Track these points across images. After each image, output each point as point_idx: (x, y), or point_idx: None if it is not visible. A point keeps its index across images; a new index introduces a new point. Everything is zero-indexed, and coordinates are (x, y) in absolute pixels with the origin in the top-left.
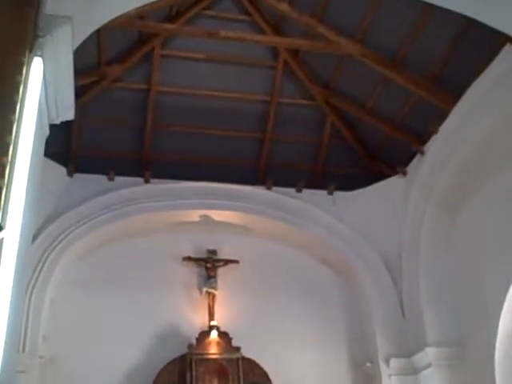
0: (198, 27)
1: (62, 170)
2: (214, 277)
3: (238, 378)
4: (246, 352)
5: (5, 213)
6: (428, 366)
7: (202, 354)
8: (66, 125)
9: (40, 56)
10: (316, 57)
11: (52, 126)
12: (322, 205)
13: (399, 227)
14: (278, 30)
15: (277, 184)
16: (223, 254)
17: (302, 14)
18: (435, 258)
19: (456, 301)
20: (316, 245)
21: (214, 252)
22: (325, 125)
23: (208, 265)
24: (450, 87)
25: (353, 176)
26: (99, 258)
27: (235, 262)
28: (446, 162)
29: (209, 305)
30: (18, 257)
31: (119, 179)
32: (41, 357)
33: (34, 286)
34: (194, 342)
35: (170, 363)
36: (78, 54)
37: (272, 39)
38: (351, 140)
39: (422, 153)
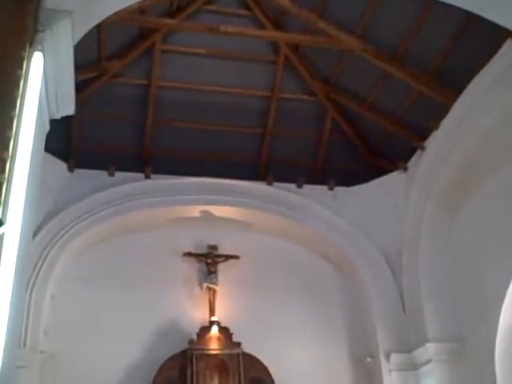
0: (199, 22)
1: (63, 165)
2: (215, 272)
3: (239, 373)
4: (247, 347)
5: (5, 208)
6: (428, 361)
7: (203, 350)
8: (67, 120)
9: (40, 50)
10: (316, 52)
11: (52, 122)
12: (323, 200)
13: (400, 223)
14: (278, 25)
15: (277, 179)
16: (224, 250)
17: (303, 8)
18: (435, 254)
19: (456, 296)
20: (316, 240)
21: (214, 247)
22: (325, 120)
23: (208, 260)
24: (450, 83)
25: (353, 171)
26: (100, 253)
27: (236, 257)
28: (447, 158)
29: (209, 300)
30: (18, 252)
31: (120, 175)
32: (41, 352)
33: (34, 282)
34: (194, 337)
35: (171, 358)
36: (79, 48)
37: (272, 34)
38: (352, 135)
39: (423, 148)
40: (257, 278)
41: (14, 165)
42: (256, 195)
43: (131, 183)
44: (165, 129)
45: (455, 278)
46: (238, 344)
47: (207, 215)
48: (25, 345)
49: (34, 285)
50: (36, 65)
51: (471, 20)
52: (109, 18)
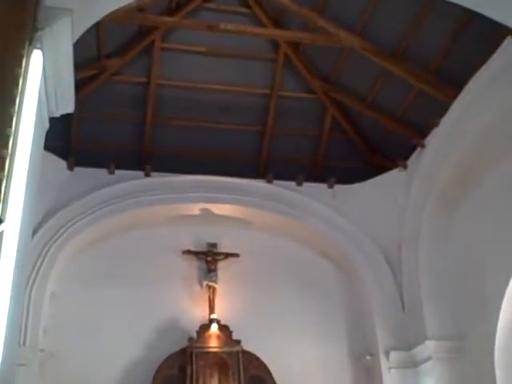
0: (198, 20)
1: (63, 163)
2: (215, 270)
3: (239, 371)
4: (247, 345)
5: (5, 205)
6: (428, 359)
7: (203, 348)
8: (66, 118)
9: (39, 48)
10: (316, 50)
11: (52, 120)
12: (323, 198)
13: (399, 221)
14: (278, 23)
15: (277, 177)
16: (223, 248)
17: (302, 6)
18: (435, 252)
19: (456, 294)
20: (316, 238)
21: (214, 245)
22: (325, 118)
23: (208, 258)
24: (450, 80)
25: (353, 169)
26: (99, 251)
27: (235, 255)
28: (447, 156)
29: (209, 298)
30: (18, 250)
31: (119, 173)
32: (41, 350)
33: (34, 280)
34: (194, 335)
35: (171, 357)
36: (78, 46)
37: (272, 32)
38: (352, 133)
39: (423, 146)
40: (256, 276)
41: (13, 162)
42: (256, 193)
43: (131, 181)
44: (164, 127)
45: (455, 275)
46: (238, 342)
47: (207, 213)
48: (24, 343)
49: (33, 283)
50: (35, 63)
51: (471, 17)
52: (108, 16)
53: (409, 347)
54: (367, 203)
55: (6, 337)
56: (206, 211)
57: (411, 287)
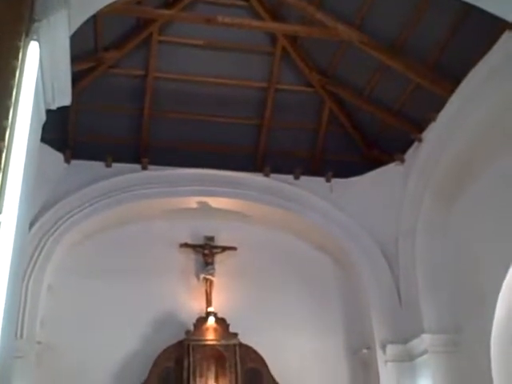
0: (196, 13)
1: (59, 156)
2: (212, 263)
3: (235, 363)
4: (244, 338)
5: (1, 198)
6: (424, 352)
7: (200, 340)
8: (63, 111)
9: (36, 40)
10: (314, 43)
11: (49, 112)
12: (320, 192)
13: (396, 215)
14: (275, 16)
15: (274, 171)
16: (221, 241)
17: None
18: (432, 245)
19: (452, 288)
20: (313, 232)
21: (211, 239)
22: (323, 112)
23: (205, 251)
24: (448, 74)
25: (350, 163)
26: (96, 244)
27: (233, 248)
28: (444, 150)
29: (206, 291)
30: (14, 242)
31: (116, 166)
32: (38, 343)
33: (31, 272)
34: (191, 328)
35: (168, 349)
36: (75, 39)
37: (270, 25)
38: (349, 127)
39: (420, 140)
40: (254, 269)
41: (10, 155)
42: (253, 186)
43: (128, 174)
44: (162, 120)
45: (451, 269)
46: (235, 335)
47: (204, 206)
48: (21, 336)
49: (30, 275)
50: (32, 54)
51: (469, 11)
52: (105, 8)
53: (405, 341)
54: (364, 197)
55: (2, 329)
56: (203, 204)
57: (408, 281)
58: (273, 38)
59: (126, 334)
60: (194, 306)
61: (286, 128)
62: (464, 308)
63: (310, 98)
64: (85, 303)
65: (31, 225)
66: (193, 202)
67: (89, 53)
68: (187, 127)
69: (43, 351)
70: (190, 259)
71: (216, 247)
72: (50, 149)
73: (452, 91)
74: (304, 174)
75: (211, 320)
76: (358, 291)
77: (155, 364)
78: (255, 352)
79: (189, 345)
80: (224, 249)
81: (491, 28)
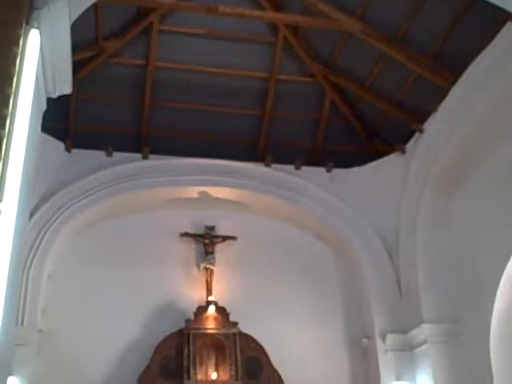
0: (197, 2)
1: (60, 145)
2: (212, 253)
3: (235, 352)
4: (243, 327)
5: (2, 186)
6: (424, 342)
7: (200, 329)
8: (64, 100)
9: (37, 28)
10: (315, 33)
11: (49, 101)
12: (321, 182)
13: (397, 205)
14: (277, 6)
15: (275, 161)
16: (221, 231)
17: None
18: (432, 236)
19: (452, 278)
20: (314, 222)
21: (212, 228)
22: (324, 102)
23: (206, 241)
24: (450, 65)
25: (351, 153)
26: (97, 233)
27: (233, 238)
28: (445, 141)
29: (206, 280)
30: (15, 230)
31: (117, 155)
32: (39, 330)
33: (32, 261)
34: (191, 316)
35: (168, 338)
36: (76, 27)
37: (271, 15)
38: (350, 117)
39: (421, 131)
40: (254, 259)
41: (10, 143)
42: (254, 176)
43: (129, 163)
44: (162, 109)
45: (451, 259)
46: (235, 324)
47: (205, 196)
48: (22, 323)
49: (31, 264)
50: (32, 42)
51: (471, 2)
52: None
53: (405, 330)
54: (365, 187)
55: (3, 317)
56: (204, 194)
57: (408, 271)
58: (274, 28)
59: (126, 323)
60: (195, 294)
61: (288, 118)
62: (464, 298)
63: (311, 89)
64: (86, 292)
65: (32, 214)
66: (194, 191)
67: (89, 42)
68: (188, 117)
69: (44, 339)
70: (190, 248)
71: (216, 237)
72: (51, 138)
73: (453, 82)
74: (305, 164)
75: (211, 309)
76: (358, 281)
77: (156, 352)
78: (255, 341)
79: (189, 333)
80: (224, 238)
81: (493, 19)
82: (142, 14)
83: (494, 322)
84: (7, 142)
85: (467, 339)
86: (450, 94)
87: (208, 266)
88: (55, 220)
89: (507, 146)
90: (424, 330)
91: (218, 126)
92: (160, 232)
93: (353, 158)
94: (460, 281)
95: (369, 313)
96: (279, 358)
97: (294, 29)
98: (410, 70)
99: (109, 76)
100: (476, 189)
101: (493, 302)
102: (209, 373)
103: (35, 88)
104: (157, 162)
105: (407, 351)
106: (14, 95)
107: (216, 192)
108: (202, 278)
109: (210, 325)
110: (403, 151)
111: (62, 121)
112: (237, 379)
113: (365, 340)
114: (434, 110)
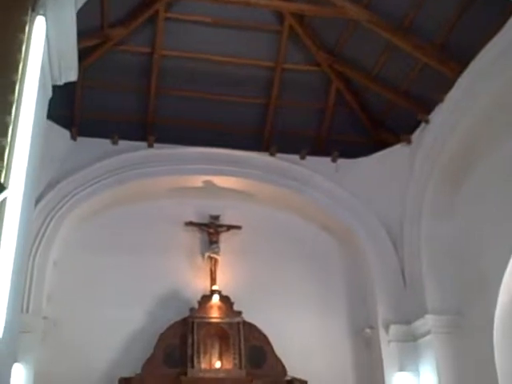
0: None
1: (66, 133)
2: (217, 242)
3: (239, 341)
4: (247, 316)
5: (8, 172)
6: (427, 333)
7: (204, 318)
8: (70, 88)
9: (43, 15)
10: (321, 22)
11: (55, 89)
12: (326, 172)
13: (402, 196)
14: None
15: (280, 150)
16: (226, 220)
17: None
18: (437, 227)
19: (457, 269)
20: (318, 212)
21: (216, 217)
22: (329, 91)
23: (210, 230)
24: (456, 55)
25: (357, 143)
26: (102, 221)
27: (238, 227)
28: (451, 132)
29: (211, 269)
30: (21, 216)
31: (123, 143)
32: (44, 318)
33: (37, 248)
34: (195, 305)
35: (172, 326)
36: (82, 15)
37: (277, 3)
38: (356, 107)
39: (427, 121)
40: (258, 248)
41: (16, 129)
42: (259, 166)
43: (134, 152)
44: (168, 98)
45: (456, 250)
46: (239, 313)
47: (210, 185)
48: (28, 310)
49: (37, 251)
50: (38, 29)
51: None
52: None
53: (409, 321)
54: (370, 177)
55: (9, 304)
56: (208, 183)
57: (412, 262)
58: (280, 17)
59: (131, 311)
60: (199, 283)
61: (293, 107)
62: (468, 289)
63: (316, 78)
64: (91, 279)
65: (37, 201)
66: (198, 180)
67: (95, 30)
68: (193, 105)
69: (49, 326)
70: (195, 237)
71: (221, 226)
72: (57, 126)
73: (460, 72)
74: (310, 153)
75: (215, 298)
76: (362, 271)
77: (160, 340)
78: (259, 330)
79: (193, 322)
80: (229, 228)
81: (500, 9)
82: (147, 1)
83: (498, 313)
84: (13, 129)
85: (471, 330)
86: (456, 84)
87: (212, 255)
88: (60, 208)
89: None
90: (428, 321)
91: (224, 115)
92: (165, 221)
93: (358, 147)
94: (464, 272)
95: (373, 303)
96: (283, 347)
97: (300, 17)
98: (417, 59)
99: (115, 64)
100: (481, 181)
101: (497, 293)
102: (212, 361)
103: (41, 75)
104: (162, 150)
105: (411, 342)
106: (20, 82)
107: (221, 181)
108: (206, 267)
109: (214, 314)
110: (409, 141)
111: (67, 108)
112: (240, 368)
113: (368, 330)
114: (440, 100)
